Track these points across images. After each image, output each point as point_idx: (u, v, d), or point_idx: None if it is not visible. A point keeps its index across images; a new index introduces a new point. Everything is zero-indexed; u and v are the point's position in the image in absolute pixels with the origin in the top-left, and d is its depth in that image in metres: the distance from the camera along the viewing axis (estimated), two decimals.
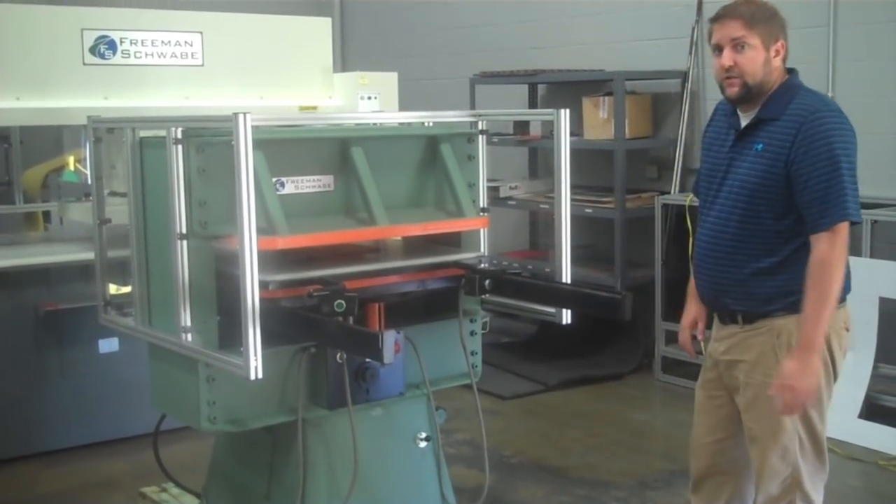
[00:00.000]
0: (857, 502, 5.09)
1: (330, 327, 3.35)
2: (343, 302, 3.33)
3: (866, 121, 6.47)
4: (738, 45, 3.33)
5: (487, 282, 3.83)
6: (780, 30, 3.38)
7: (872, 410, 5.81)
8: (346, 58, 10.55)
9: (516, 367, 7.18)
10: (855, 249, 6.15)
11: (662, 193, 7.17)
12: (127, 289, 4.18)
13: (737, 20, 3.33)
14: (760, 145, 3.35)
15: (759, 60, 3.34)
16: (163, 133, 3.49)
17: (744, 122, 3.44)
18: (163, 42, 5.68)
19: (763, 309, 3.42)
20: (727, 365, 3.58)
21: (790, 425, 3.42)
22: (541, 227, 8.61)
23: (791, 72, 3.45)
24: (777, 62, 3.37)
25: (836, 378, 3.51)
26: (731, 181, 3.43)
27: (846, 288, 3.45)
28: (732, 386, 3.59)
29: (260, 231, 3.23)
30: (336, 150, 3.74)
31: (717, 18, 3.40)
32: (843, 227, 3.23)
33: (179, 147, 3.45)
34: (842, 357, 3.50)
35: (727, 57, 3.35)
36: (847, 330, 3.49)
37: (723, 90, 3.45)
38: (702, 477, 3.79)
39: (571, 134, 4.05)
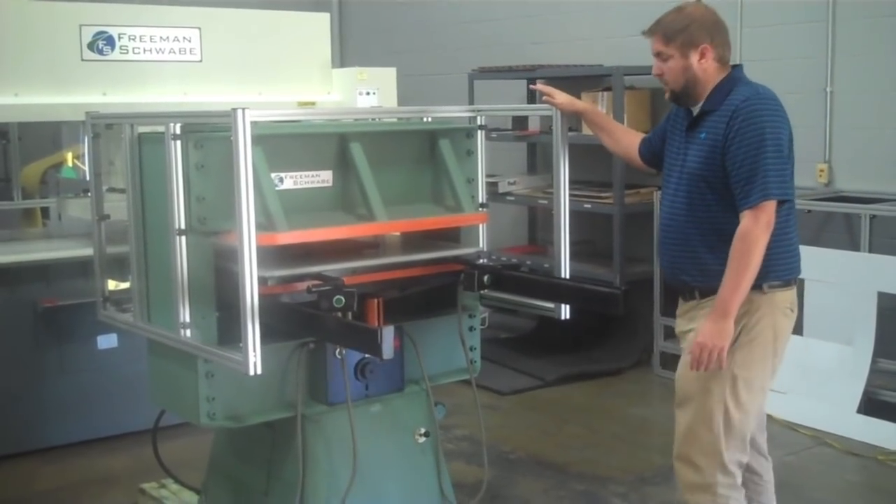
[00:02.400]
0: (856, 497, 5.10)
1: (329, 323, 3.35)
2: (342, 297, 3.33)
3: (864, 116, 6.49)
4: (661, 57, 3.64)
5: (486, 277, 3.83)
6: (703, 34, 3.57)
7: (871, 405, 5.81)
8: (345, 53, 10.53)
9: (515, 362, 7.18)
10: (853, 244, 6.17)
11: (661, 189, 7.16)
12: (125, 284, 4.18)
13: (657, 35, 3.63)
14: (703, 134, 3.56)
15: (678, 69, 3.59)
16: (161, 129, 3.50)
17: (694, 113, 3.65)
18: (161, 38, 5.68)
19: (716, 283, 3.54)
20: (683, 337, 3.75)
21: (717, 393, 3.55)
22: (539, 223, 8.61)
23: (735, 67, 3.65)
24: (705, 64, 3.57)
25: (779, 358, 3.63)
26: (685, 166, 3.62)
27: (793, 270, 3.62)
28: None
29: (259, 227, 3.24)
30: (335, 146, 3.74)
31: (646, 33, 3.70)
32: (767, 206, 3.40)
33: (178, 143, 3.45)
34: (784, 338, 3.62)
35: (655, 67, 3.68)
36: (792, 311, 3.63)
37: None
38: None
39: (570, 129, 4.07)
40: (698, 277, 3.60)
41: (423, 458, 4.03)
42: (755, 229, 3.38)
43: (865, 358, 5.81)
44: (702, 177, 3.53)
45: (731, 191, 3.46)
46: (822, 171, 6.68)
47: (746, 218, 3.40)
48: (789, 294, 3.61)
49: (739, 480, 3.64)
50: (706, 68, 3.57)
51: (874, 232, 5.99)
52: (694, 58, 3.56)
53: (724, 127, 3.47)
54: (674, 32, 3.57)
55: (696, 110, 3.62)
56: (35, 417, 5.44)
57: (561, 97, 4.01)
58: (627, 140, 4.07)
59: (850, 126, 6.59)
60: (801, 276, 6.02)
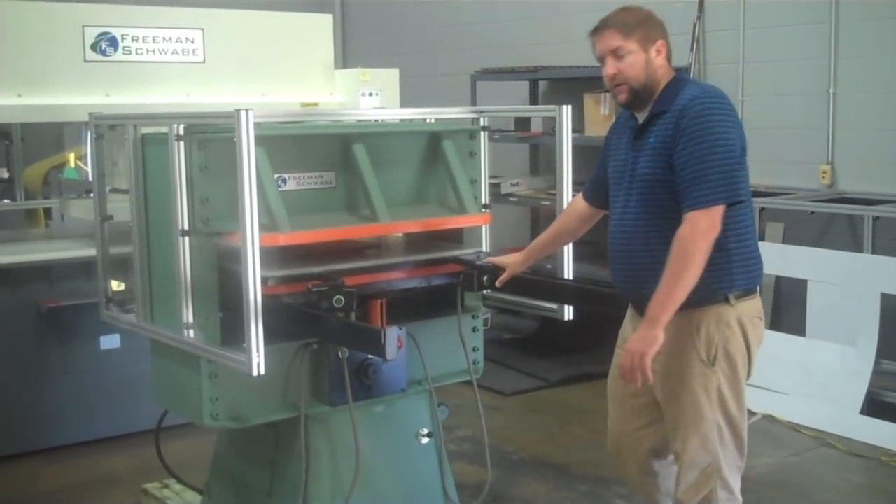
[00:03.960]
0: (860, 498, 5.09)
1: (332, 323, 3.35)
2: (342, 297, 3.34)
3: (868, 117, 6.49)
4: (617, 54, 3.43)
5: (486, 278, 3.83)
6: (658, 30, 3.47)
7: (874, 406, 5.80)
8: (347, 54, 10.54)
9: (518, 363, 7.17)
10: (856, 245, 6.16)
11: None
12: (127, 285, 4.19)
13: (613, 30, 3.43)
14: (652, 139, 3.41)
15: (640, 64, 3.42)
16: (164, 129, 3.50)
17: (640, 120, 3.50)
18: (164, 39, 5.68)
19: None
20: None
21: (710, 415, 3.45)
22: (542, 224, 8.58)
23: (680, 71, 3.54)
24: (660, 60, 3.45)
25: (751, 368, 3.51)
26: (635, 177, 3.47)
27: (755, 278, 3.47)
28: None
29: (262, 227, 3.24)
30: (338, 147, 3.75)
31: (595, 31, 3.50)
32: (711, 211, 3.22)
33: (181, 144, 3.45)
34: (757, 347, 3.50)
35: (611, 66, 3.45)
36: (760, 319, 3.50)
37: (615, 97, 3.55)
38: (632, 465, 3.84)
39: (573, 130, 4.06)
40: None
41: (425, 459, 4.04)
42: (692, 234, 3.21)
43: (868, 359, 5.81)
44: (658, 181, 3.37)
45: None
46: (825, 172, 6.67)
47: (686, 222, 3.23)
48: (756, 303, 3.48)
49: (738, 487, 3.57)
50: (662, 65, 3.45)
51: (877, 233, 5.98)
52: (653, 53, 3.43)
53: (672, 128, 3.32)
54: (633, 26, 3.42)
55: (641, 118, 3.48)
56: (37, 418, 5.44)
57: (512, 268, 3.87)
58: (568, 216, 3.93)
59: (854, 127, 6.58)
60: (804, 278, 6.10)
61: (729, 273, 3.37)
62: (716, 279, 3.35)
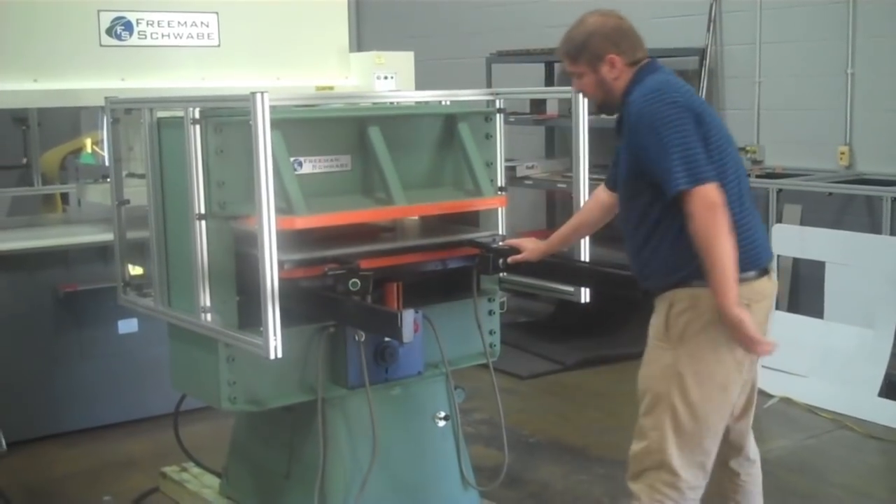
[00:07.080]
0: (878, 480, 5.08)
1: (349, 306, 3.35)
2: (358, 280, 3.34)
3: (886, 98, 6.45)
4: (574, 76, 3.53)
5: (501, 260, 3.83)
6: (606, 45, 3.41)
7: (892, 389, 5.77)
8: (362, 37, 10.52)
9: (534, 346, 7.17)
10: (875, 227, 6.13)
11: None
12: (138, 270, 4.21)
13: (564, 57, 3.53)
14: (623, 136, 3.42)
15: (593, 84, 3.48)
16: (180, 113, 3.50)
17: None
18: (179, 23, 5.67)
19: (646, 284, 3.44)
20: None
21: (665, 395, 3.36)
22: (558, 207, 8.59)
23: (641, 69, 3.44)
24: (616, 73, 3.42)
25: (749, 353, 3.31)
26: (620, 173, 3.49)
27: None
28: None
29: (278, 211, 3.24)
30: (353, 130, 3.75)
31: (557, 55, 3.59)
32: (689, 194, 3.14)
33: (197, 127, 3.45)
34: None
35: (575, 84, 3.56)
36: (750, 304, 3.27)
37: None
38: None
39: (589, 113, 4.03)
40: (644, 280, 3.49)
41: (442, 442, 4.04)
42: (694, 212, 3.13)
43: (886, 341, 5.78)
44: (633, 175, 3.36)
45: (641, 190, 3.32)
46: (843, 153, 6.64)
47: (685, 206, 3.16)
48: (743, 288, 3.22)
49: (694, 485, 3.41)
50: (618, 77, 3.42)
51: (895, 215, 5.95)
52: (604, 69, 3.41)
53: (627, 130, 3.33)
54: (576, 53, 3.45)
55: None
56: (55, 402, 5.46)
57: (530, 253, 3.84)
58: (589, 207, 3.87)
59: (872, 108, 6.55)
60: (822, 260, 6.07)
61: (691, 261, 3.23)
62: (675, 264, 3.31)
